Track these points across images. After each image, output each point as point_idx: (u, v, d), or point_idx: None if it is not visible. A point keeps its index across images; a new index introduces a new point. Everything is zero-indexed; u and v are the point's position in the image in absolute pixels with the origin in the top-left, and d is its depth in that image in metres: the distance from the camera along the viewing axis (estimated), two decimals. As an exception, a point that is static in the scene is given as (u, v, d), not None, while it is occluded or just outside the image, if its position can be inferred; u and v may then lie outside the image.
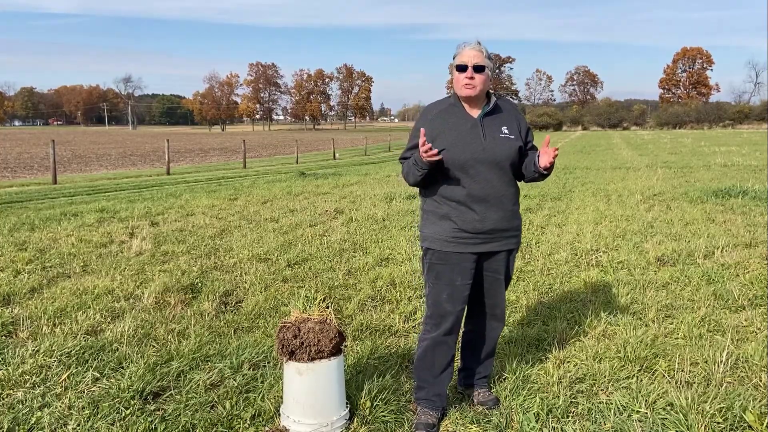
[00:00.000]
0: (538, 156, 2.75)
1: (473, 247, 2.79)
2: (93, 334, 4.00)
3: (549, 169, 2.75)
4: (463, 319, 3.00)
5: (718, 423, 2.76)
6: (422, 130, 2.67)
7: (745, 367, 3.39)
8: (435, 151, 2.62)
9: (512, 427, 2.84)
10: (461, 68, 2.74)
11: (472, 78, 2.72)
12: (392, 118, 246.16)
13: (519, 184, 2.93)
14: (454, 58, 2.81)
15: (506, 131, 2.81)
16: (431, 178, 2.77)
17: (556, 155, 2.73)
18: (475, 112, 2.82)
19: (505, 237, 2.85)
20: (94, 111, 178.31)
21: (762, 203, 9.45)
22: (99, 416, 2.87)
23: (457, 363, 3.19)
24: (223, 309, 4.59)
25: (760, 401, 2.95)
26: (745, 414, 2.79)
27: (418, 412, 2.90)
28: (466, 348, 3.14)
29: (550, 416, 2.90)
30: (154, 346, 3.77)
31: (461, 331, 3.08)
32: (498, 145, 2.75)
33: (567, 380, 3.25)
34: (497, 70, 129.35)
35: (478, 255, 2.84)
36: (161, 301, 4.69)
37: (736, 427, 2.75)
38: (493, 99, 2.85)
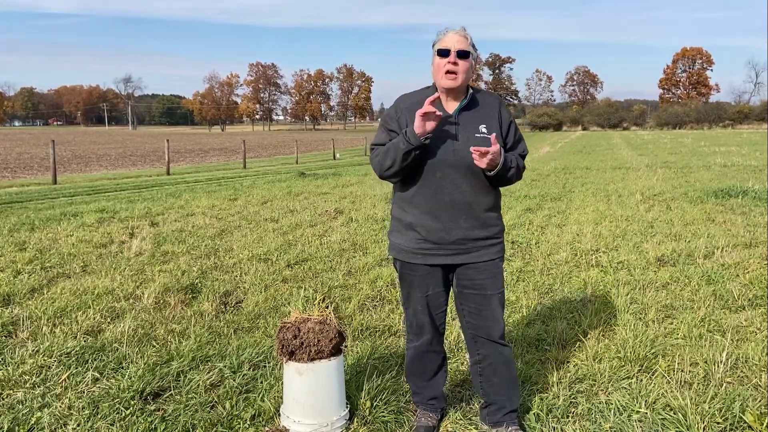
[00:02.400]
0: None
1: (442, 258, 2.57)
2: (93, 334, 4.00)
3: (496, 169, 2.43)
4: (438, 339, 2.75)
5: (718, 423, 2.76)
6: (428, 100, 2.37)
7: (745, 368, 3.39)
8: (436, 111, 2.34)
9: (512, 427, 2.83)
10: (443, 53, 2.45)
11: (455, 64, 2.44)
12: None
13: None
14: (433, 46, 2.53)
15: (484, 130, 2.52)
16: (409, 169, 2.49)
17: (487, 154, 2.37)
18: (452, 107, 2.55)
19: (481, 247, 2.58)
20: (94, 111, 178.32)
21: (762, 203, 9.45)
22: (99, 416, 2.87)
23: (479, 400, 2.88)
24: (223, 309, 4.59)
25: (759, 401, 2.95)
26: (744, 414, 2.79)
27: (417, 414, 2.88)
28: (481, 381, 2.74)
29: (550, 416, 2.90)
30: (154, 347, 3.77)
31: (469, 363, 2.84)
32: (472, 146, 2.44)
33: (567, 380, 3.25)
34: (497, 70, 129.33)
35: (452, 267, 2.61)
36: (161, 302, 4.69)
37: (736, 428, 2.75)
38: (470, 91, 2.56)
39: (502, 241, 2.66)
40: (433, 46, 2.53)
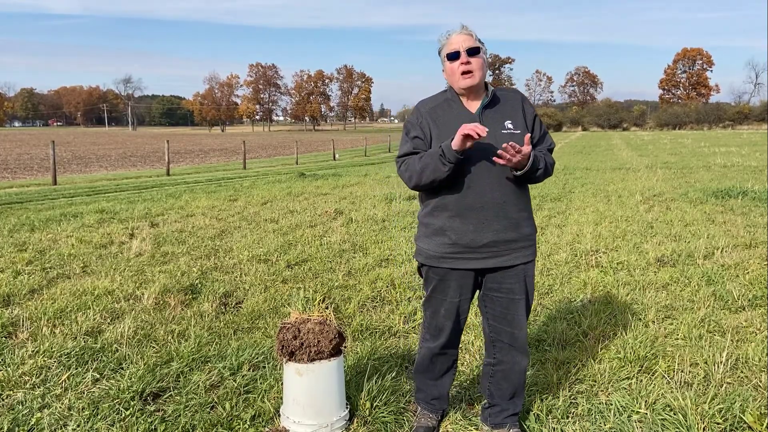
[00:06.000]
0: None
1: (473, 262, 2.49)
2: (93, 335, 4.00)
3: (524, 170, 2.37)
4: (470, 342, 2.76)
5: (718, 423, 2.76)
6: (479, 128, 2.25)
7: (745, 368, 3.39)
8: (483, 129, 2.23)
9: (512, 427, 2.83)
10: (453, 56, 2.42)
11: (468, 63, 2.40)
12: (392, 118, 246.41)
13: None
14: (440, 52, 2.50)
15: (510, 126, 2.46)
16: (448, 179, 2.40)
17: (518, 153, 2.30)
18: (474, 106, 2.49)
19: (513, 249, 2.50)
20: (94, 112, 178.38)
21: (762, 204, 9.45)
22: (99, 417, 2.87)
23: (481, 399, 2.87)
24: (223, 310, 4.59)
25: (759, 402, 2.95)
26: (744, 415, 2.79)
27: (417, 413, 2.88)
28: (490, 383, 2.71)
29: (549, 417, 2.89)
30: (153, 347, 3.77)
31: (482, 362, 2.81)
32: (499, 143, 2.37)
33: (567, 381, 3.25)
34: (497, 71, 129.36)
35: (482, 271, 2.55)
36: (161, 302, 4.69)
37: (736, 428, 2.75)
38: (491, 89, 2.51)
39: (533, 244, 2.58)
40: (440, 52, 2.50)
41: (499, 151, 2.33)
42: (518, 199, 2.50)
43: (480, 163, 2.41)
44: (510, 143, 2.31)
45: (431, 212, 2.54)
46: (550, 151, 2.63)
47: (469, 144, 2.31)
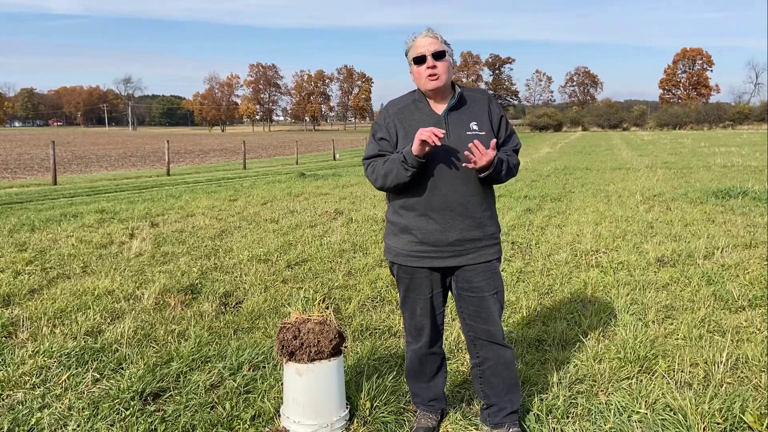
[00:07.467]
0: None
1: (440, 261, 2.56)
2: (93, 335, 4.00)
3: (488, 171, 2.44)
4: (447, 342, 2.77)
5: (718, 423, 2.76)
6: (437, 132, 2.33)
7: (745, 368, 3.39)
8: (441, 132, 2.32)
9: (512, 427, 2.83)
10: (419, 60, 2.48)
11: (434, 67, 2.46)
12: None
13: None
14: (406, 54, 2.56)
15: (475, 127, 2.52)
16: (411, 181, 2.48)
17: (484, 157, 2.39)
18: (441, 108, 2.55)
19: (478, 248, 2.57)
20: (94, 112, 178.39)
21: (762, 204, 9.45)
22: (99, 417, 2.87)
23: (479, 401, 2.85)
24: (223, 310, 4.59)
25: (759, 402, 2.95)
26: (744, 415, 2.79)
27: (417, 414, 2.88)
28: (481, 383, 2.74)
29: (549, 417, 2.90)
30: (153, 347, 3.77)
31: (470, 366, 2.83)
32: (463, 144, 2.44)
33: (567, 381, 3.25)
34: (497, 71, 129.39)
35: (450, 269, 2.61)
36: (161, 302, 4.69)
37: (736, 428, 2.75)
38: (458, 90, 2.56)
39: (498, 243, 2.66)
40: (406, 54, 2.56)
41: (465, 153, 2.41)
42: (482, 199, 2.57)
43: (444, 164, 2.48)
44: (475, 141, 2.39)
45: (397, 211, 2.61)
46: (516, 151, 2.68)
47: (428, 148, 2.39)
